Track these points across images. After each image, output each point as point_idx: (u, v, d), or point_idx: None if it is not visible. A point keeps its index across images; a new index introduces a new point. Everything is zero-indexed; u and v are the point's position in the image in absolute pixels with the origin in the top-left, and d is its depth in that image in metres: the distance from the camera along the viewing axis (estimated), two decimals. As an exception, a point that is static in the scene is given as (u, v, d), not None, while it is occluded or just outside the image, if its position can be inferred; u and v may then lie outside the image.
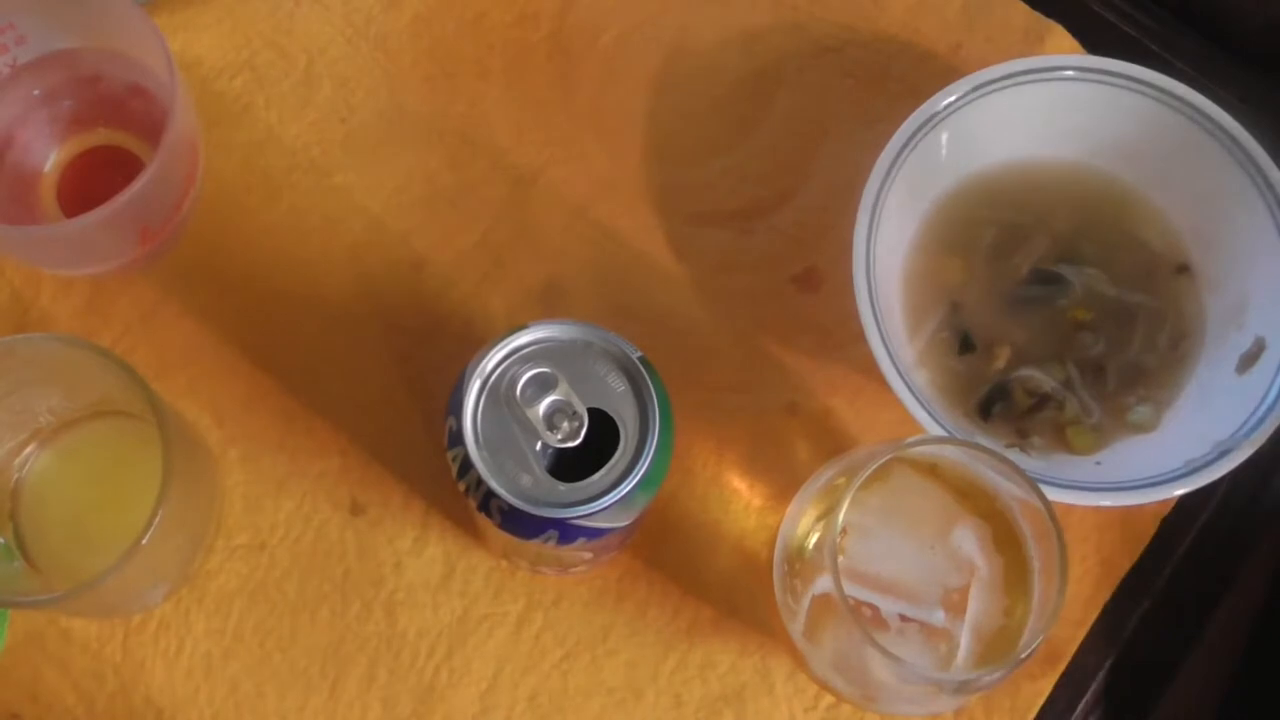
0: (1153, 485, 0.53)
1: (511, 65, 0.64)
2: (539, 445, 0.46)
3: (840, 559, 0.48)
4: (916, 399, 0.53)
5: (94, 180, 0.57)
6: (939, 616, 0.48)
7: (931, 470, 0.50)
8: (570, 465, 0.46)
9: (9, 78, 0.57)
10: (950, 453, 0.49)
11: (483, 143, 0.62)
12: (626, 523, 0.48)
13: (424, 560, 0.57)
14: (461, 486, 0.47)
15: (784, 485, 0.58)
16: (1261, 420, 0.53)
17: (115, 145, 0.58)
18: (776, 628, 0.51)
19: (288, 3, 0.64)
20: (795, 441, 0.59)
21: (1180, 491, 0.53)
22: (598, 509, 0.45)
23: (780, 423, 0.59)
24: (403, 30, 0.64)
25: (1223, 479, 0.53)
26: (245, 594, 0.57)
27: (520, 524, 0.46)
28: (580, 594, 0.57)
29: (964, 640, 0.48)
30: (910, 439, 0.47)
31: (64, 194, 0.58)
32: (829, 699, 0.56)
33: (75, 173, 0.58)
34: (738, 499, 0.58)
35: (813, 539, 0.49)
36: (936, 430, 0.52)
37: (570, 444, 0.46)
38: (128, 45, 0.56)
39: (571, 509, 0.45)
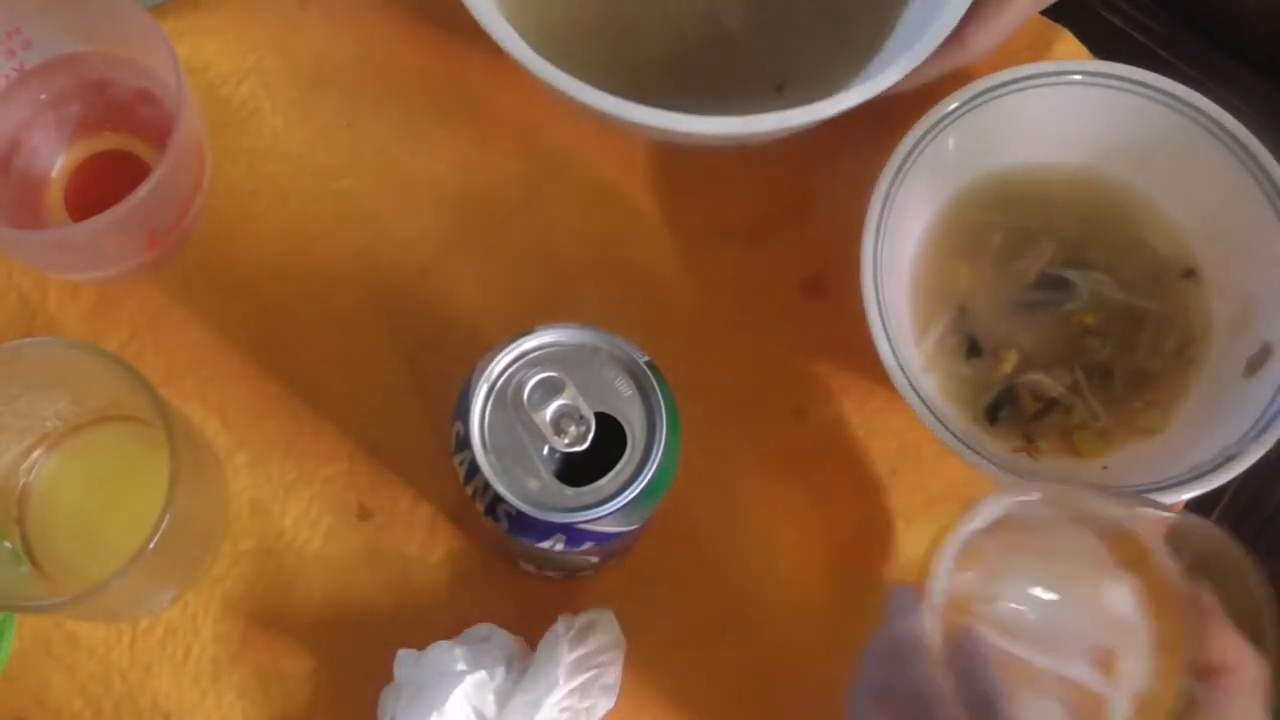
0: (1159, 490, 0.53)
1: (519, 69, 0.63)
2: (546, 450, 0.46)
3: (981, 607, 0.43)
4: (924, 404, 0.53)
5: (101, 185, 0.57)
6: (1087, 674, 0.42)
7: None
8: (577, 470, 0.46)
9: (16, 82, 0.57)
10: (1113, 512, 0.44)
11: (490, 147, 0.62)
12: (633, 527, 0.48)
13: (431, 565, 0.57)
14: (469, 491, 0.47)
15: (792, 491, 0.58)
16: (1269, 425, 0.53)
17: (122, 150, 0.58)
18: (784, 634, 0.51)
19: (294, 8, 0.64)
20: (803, 447, 0.59)
21: (1187, 496, 0.52)
22: (605, 513, 0.45)
23: (788, 428, 0.59)
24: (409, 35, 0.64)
25: (1229, 483, 0.52)
26: (252, 598, 0.57)
27: (527, 528, 0.46)
28: (587, 599, 0.57)
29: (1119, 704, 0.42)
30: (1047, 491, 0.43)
31: (71, 198, 0.58)
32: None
33: (82, 177, 0.58)
34: (745, 504, 0.58)
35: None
36: (944, 434, 0.52)
37: (577, 448, 0.46)
38: (134, 50, 0.56)
39: (578, 513, 0.45)
